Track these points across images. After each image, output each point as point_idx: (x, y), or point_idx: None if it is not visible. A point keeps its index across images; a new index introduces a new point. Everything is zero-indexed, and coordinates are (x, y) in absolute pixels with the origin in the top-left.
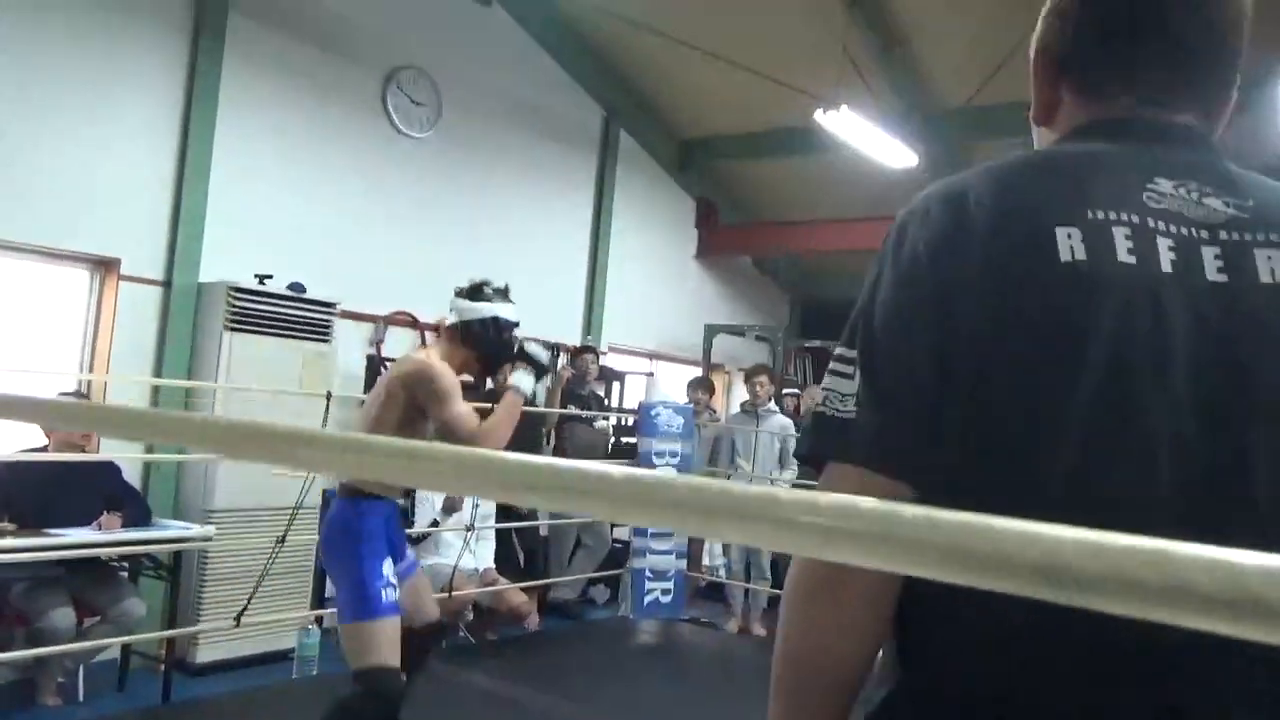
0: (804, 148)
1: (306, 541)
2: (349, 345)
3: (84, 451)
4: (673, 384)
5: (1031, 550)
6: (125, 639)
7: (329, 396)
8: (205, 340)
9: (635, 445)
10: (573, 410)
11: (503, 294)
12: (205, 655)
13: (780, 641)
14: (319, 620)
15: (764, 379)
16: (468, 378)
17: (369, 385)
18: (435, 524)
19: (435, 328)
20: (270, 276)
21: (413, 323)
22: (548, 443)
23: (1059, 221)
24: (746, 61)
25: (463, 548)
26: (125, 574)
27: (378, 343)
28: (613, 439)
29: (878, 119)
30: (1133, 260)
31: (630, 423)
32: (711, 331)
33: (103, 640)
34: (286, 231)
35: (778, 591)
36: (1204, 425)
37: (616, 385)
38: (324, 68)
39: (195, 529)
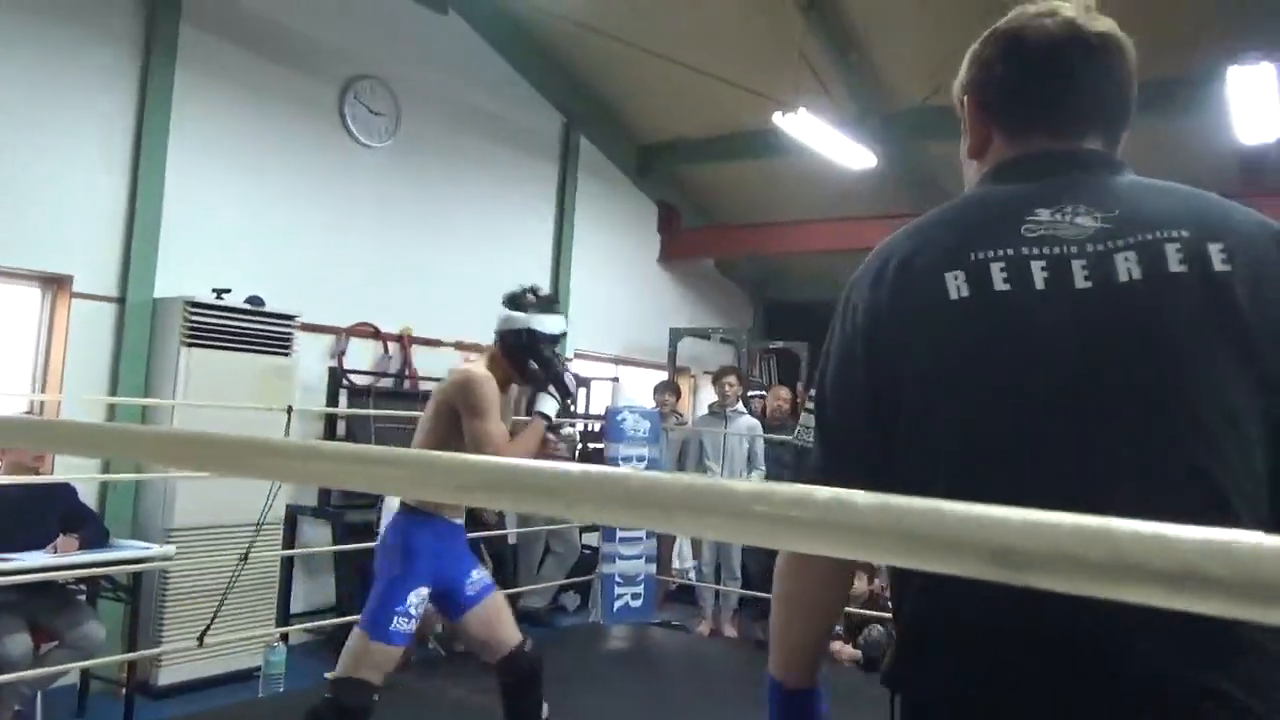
0: (764, 151)
1: (269, 558)
2: (310, 358)
3: (37, 474)
4: (639, 388)
5: (981, 533)
6: (84, 663)
7: (290, 410)
8: (162, 356)
9: (602, 450)
10: None
11: (545, 303)
12: (168, 677)
13: (773, 597)
14: (284, 637)
15: (732, 380)
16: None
17: (331, 398)
18: None
19: (399, 338)
20: (228, 290)
21: (375, 334)
22: None
23: (947, 268)
24: (704, 66)
25: None
26: (83, 597)
27: (339, 355)
28: (579, 445)
29: (835, 121)
30: (1008, 287)
31: (597, 428)
32: (676, 335)
33: (61, 666)
34: (244, 245)
35: (748, 593)
36: (1077, 411)
37: (582, 391)
38: (279, 79)
39: (155, 548)
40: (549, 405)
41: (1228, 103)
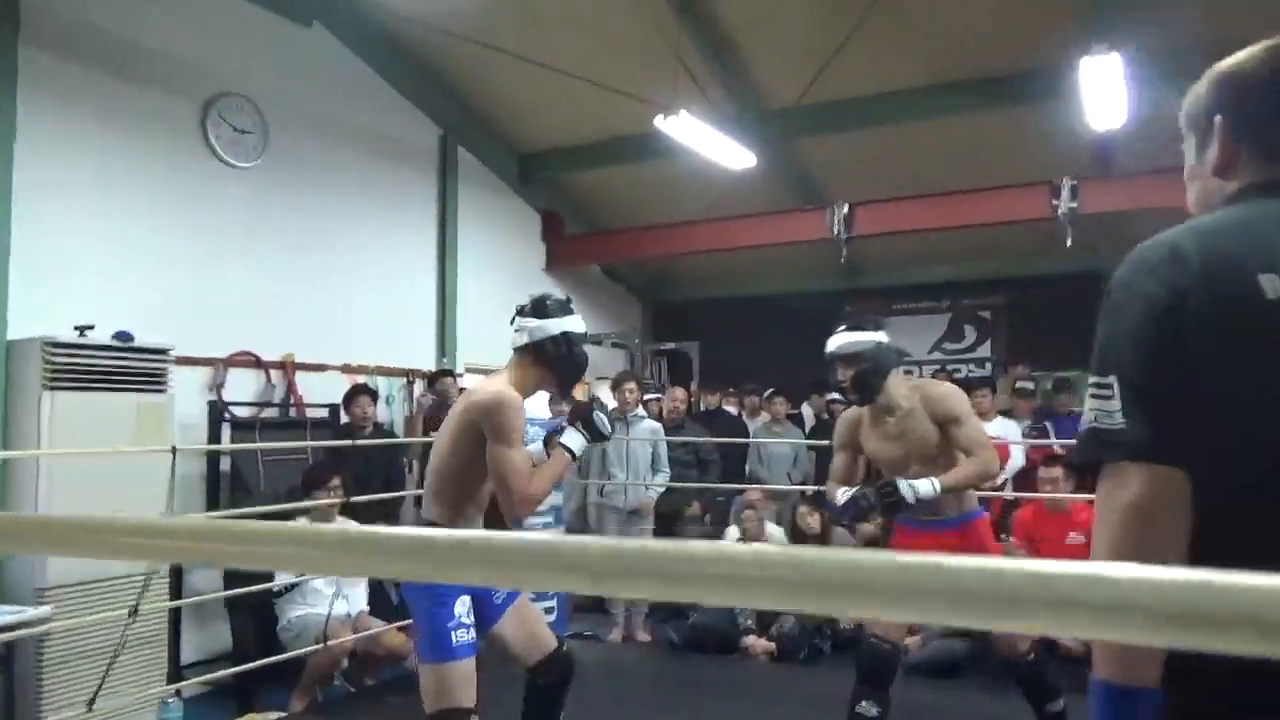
0: (644, 154)
1: (158, 609)
2: (187, 393)
3: None
4: (534, 399)
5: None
6: None
7: (174, 451)
8: (20, 402)
9: None
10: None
11: (565, 306)
12: None
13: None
14: (178, 692)
15: (632, 385)
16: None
17: (213, 435)
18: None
19: (281, 365)
20: (91, 327)
21: (255, 363)
22: (410, 471)
23: (1260, 269)
24: (581, 72)
25: (334, 595)
26: None
27: (218, 387)
28: None
29: (714, 122)
30: None
31: None
32: None
33: None
34: (107, 277)
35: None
36: None
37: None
38: (135, 99)
39: (28, 612)
40: (575, 440)
41: (1080, 91)
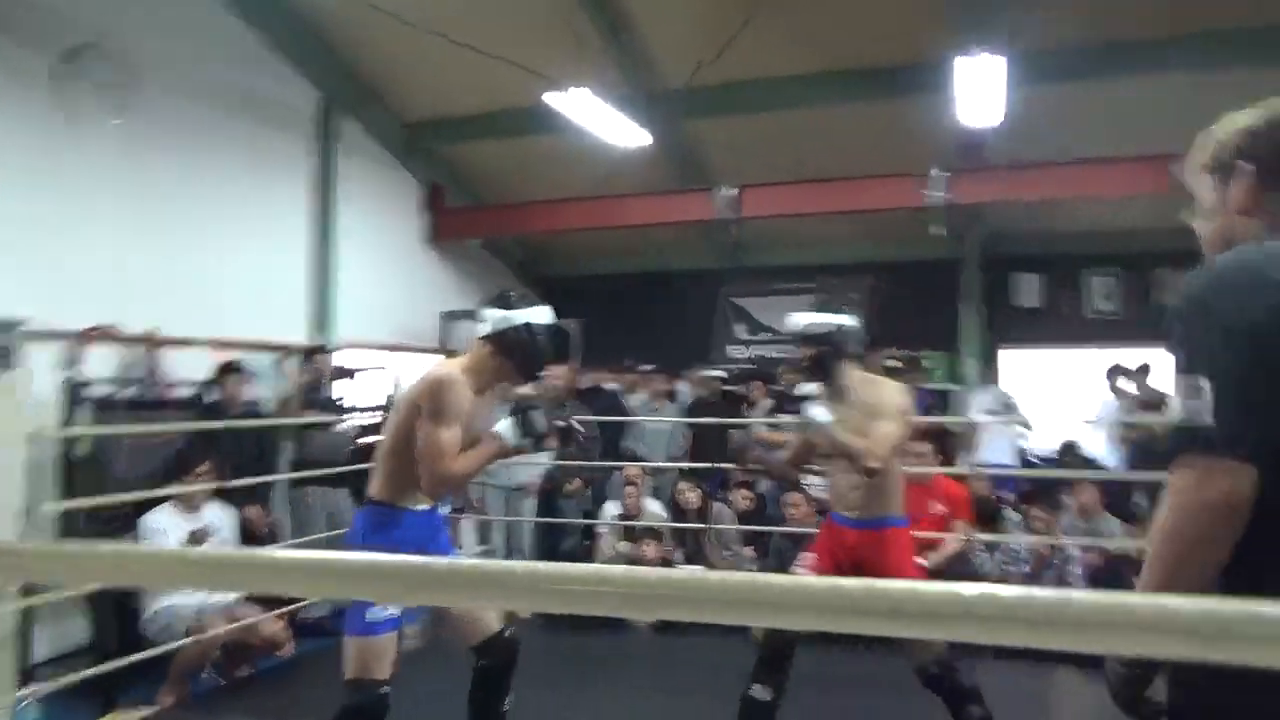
0: (531, 128)
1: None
2: (39, 370)
3: None
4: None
5: None
6: None
7: (32, 439)
8: None
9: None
10: (312, 417)
11: (529, 298)
12: None
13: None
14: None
15: None
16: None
17: (69, 418)
18: None
19: (144, 340)
20: None
21: (116, 337)
22: (284, 453)
23: None
24: (472, 40)
25: None
26: None
27: (74, 364)
28: (354, 442)
29: (607, 99)
30: None
31: (377, 422)
32: (449, 318)
33: None
34: None
35: None
36: None
37: (351, 383)
38: None
39: None
40: (508, 430)
41: (953, 89)
